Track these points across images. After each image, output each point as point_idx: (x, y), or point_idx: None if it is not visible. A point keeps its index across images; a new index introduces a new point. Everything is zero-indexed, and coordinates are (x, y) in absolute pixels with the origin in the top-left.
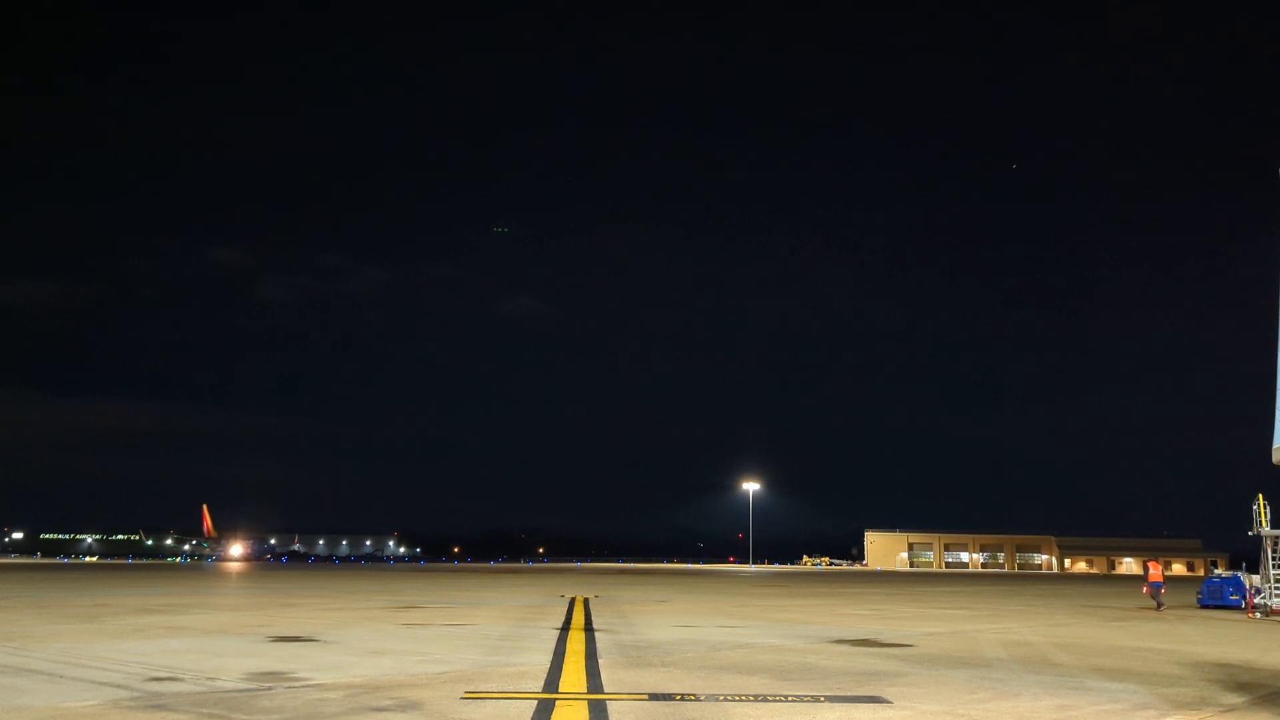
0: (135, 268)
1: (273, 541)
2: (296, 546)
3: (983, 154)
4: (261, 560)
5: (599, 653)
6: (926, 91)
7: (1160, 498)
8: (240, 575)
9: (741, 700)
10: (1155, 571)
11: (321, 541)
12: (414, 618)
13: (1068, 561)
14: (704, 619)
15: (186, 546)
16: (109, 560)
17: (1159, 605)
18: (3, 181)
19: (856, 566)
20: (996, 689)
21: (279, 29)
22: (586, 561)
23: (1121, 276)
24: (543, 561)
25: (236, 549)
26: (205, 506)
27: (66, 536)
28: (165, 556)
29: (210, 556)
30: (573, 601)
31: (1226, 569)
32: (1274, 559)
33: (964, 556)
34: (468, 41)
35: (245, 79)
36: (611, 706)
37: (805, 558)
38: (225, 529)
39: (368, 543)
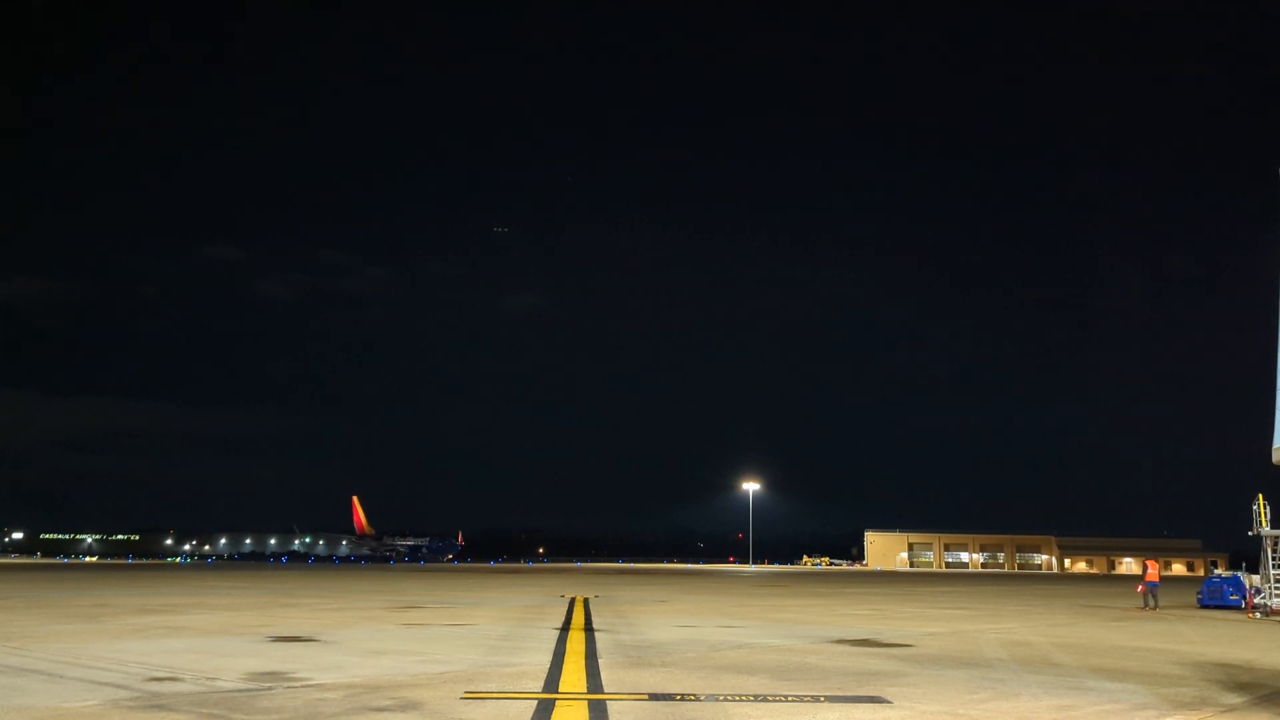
0: (134, 266)
1: (430, 539)
2: (457, 548)
3: (983, 154)
4: (437, 561)
5: (599, 653)
6: (927, 91)
7: (1160, 498)
8: (239, 575)
9: (741, 700)
10: (1153, 571)
11: (321, 541)
12: (414, 618)
13: (1068, 561)
14: (704, 619)
15: (307, 541)
16: (109, 560)
17: (1155, 606)
18: (0, 180)
19: (856, 566)
20: (996, 689)
21: (279, 27)
22: (586, 561)
23: (1121, 276)
24: (543, 561)
25: (405, 546)
26: (356, 499)
27: (66, 536)
28: (166, 557)
29: (365, 558)
30: (573, 601)
31: (1226, 569)
32: (1274, 559)
33: (964, 556)
34: (468, 40)
35: (245, 77)
36: (611, 706)
37: (805, 558)
38: (379, 527)
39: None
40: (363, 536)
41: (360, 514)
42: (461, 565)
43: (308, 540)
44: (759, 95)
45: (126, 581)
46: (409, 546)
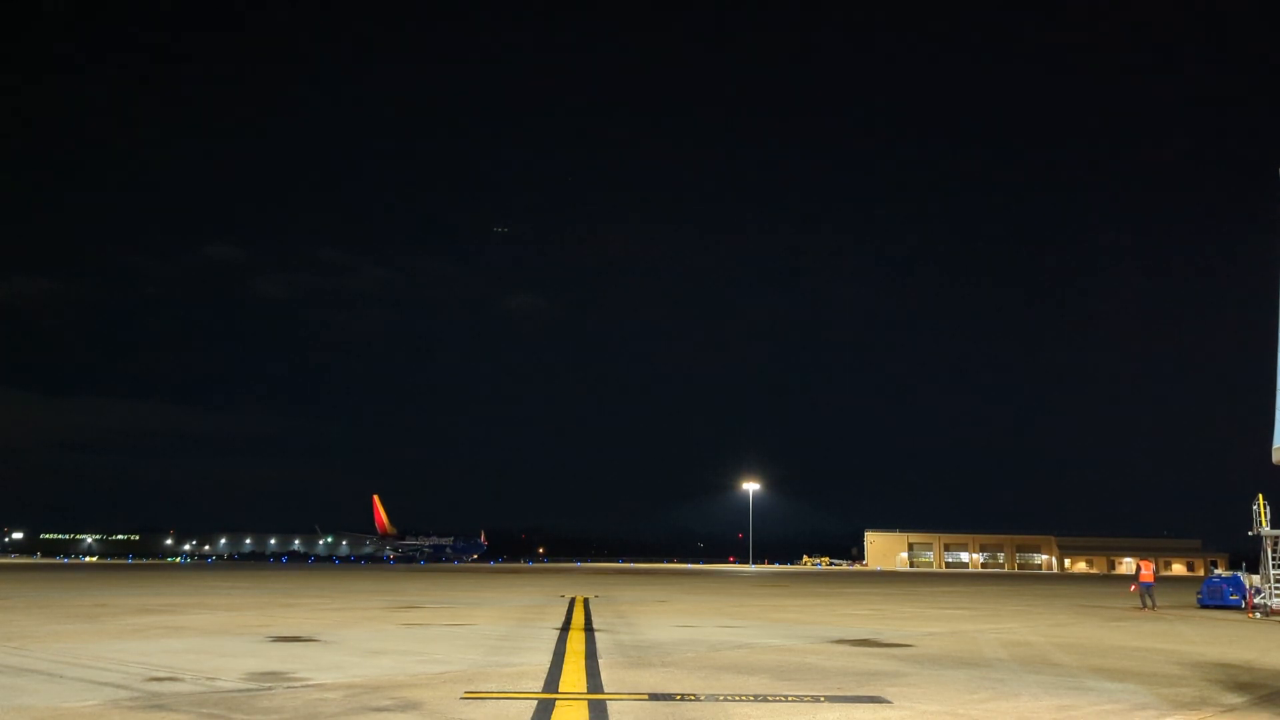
0: (134, 266)
1: (454, 539)
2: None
3: (983, 153)
4: (462, 561)
5: (599, 653)
6: (927, 91)
7: (1160, 498)
8: (239, 575)
9: (741, 700)
10: (1146, 571)
11: (325, 540)
12: (414, 618)
13: (1068, 561)
14: (704, 619)
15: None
16: (109, 560)
17: (1152, 605)
18: (0, 179)
19: (856, 566)
20: (996, 689)
21: (279, 26)
22: (586, 561)
23: (1121, 276)
24: (543, 561)
25: (429, 546)
26: (376, 497)
27: (66, 536)
28: (166, 557)
29: (385, 555)
30: (572, 601)
31: (1226, 569)
32: (1274, 559)
33: (964, 556)
34: (468, 40)
35: (245, 75)
36: (611, 706)
37: (805, 558)
38: (399, 526)
39: (368, 542)
40: (385, 536)
41: (381, 513)
42: (462, 565)
43: (329, 540)
44: (758, 95)
45: (126, 581)
46: (432, 546)
